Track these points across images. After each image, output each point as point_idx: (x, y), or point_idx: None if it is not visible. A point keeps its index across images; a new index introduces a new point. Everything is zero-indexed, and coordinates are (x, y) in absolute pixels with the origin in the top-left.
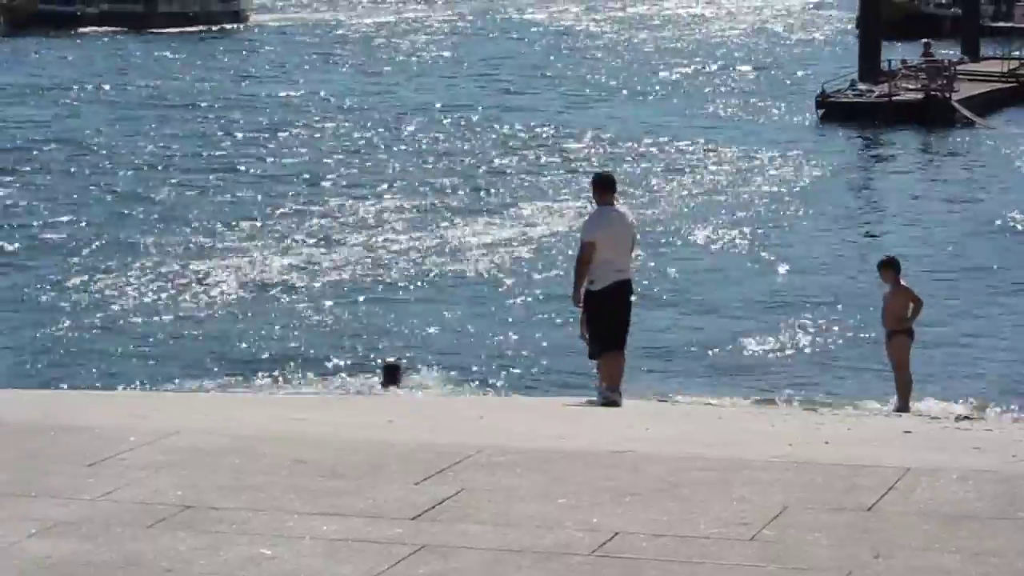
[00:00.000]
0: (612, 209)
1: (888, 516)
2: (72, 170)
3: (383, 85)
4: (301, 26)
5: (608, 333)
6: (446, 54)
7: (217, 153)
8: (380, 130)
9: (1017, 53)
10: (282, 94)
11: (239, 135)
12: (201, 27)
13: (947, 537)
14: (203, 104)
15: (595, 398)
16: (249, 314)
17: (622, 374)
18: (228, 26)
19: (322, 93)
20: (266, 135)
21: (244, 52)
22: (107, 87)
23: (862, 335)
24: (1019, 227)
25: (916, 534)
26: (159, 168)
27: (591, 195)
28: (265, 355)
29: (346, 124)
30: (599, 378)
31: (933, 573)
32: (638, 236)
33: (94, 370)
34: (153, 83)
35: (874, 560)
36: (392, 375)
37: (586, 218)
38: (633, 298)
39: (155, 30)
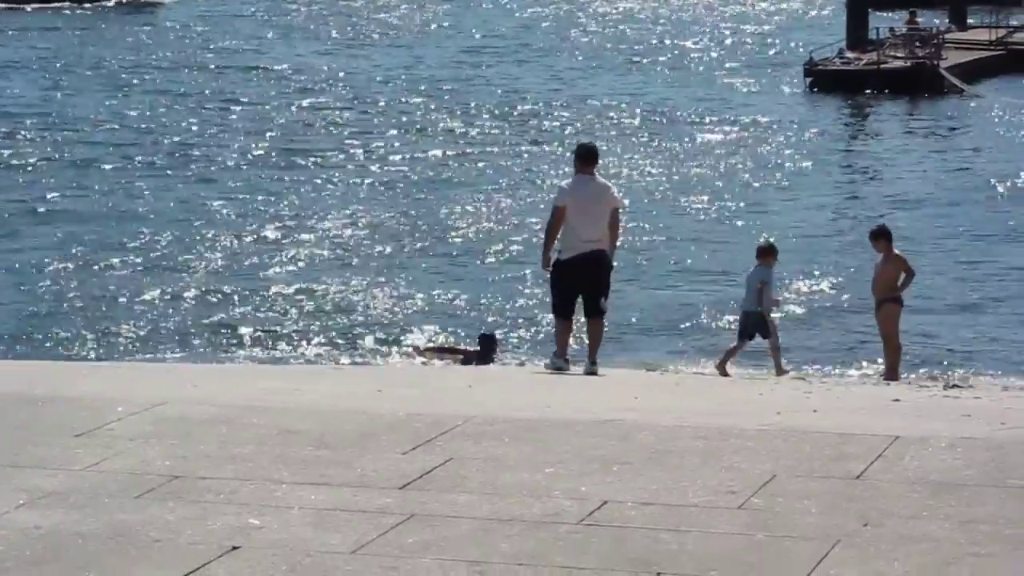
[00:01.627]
0: (589, 179)
1: (877, 484)
2: (44, 144)
3: (355, 57)
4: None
5: (561, 302)
6: (399, 28)
7: (170, 127)
8: (341, 103)
9: (1004, 21)
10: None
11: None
12: (115, 2)
13: (936, 505)
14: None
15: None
16: (227, 288)
17: (599, 343)
18: (145, 0)
19: (265, 65)
20: (222, 108)
21: (163, 26)
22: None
23: (852, 303)
24: (1008, 194)
25: (905, 502)
26: (137, 139)
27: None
28: (251, 327)
29: (303, 97)
30: (591, 349)
31: (922, 541)
32: (620, 211)
33: (82, 341)
34: (79, 58)
35: (863, 528)
36: (489, 346)
37: (561, 184)
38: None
39: (59, 5)
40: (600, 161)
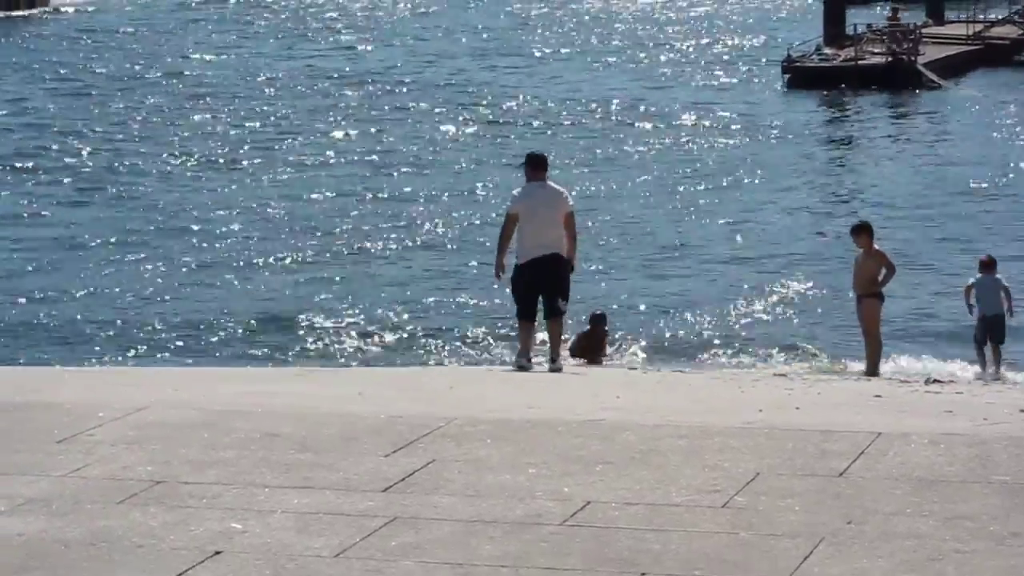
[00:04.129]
0: (539, 184)
1: (860, 481)
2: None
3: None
4: (111, 9)
5: (522, 303)
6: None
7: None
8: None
9: (981, 16)
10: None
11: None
12: None
13: (919, 501)
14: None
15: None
16: (202, 290)
17: (559, 341)
18: (21, 13)
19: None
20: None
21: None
22: None
23: (832, 299)
24: (985, 188)
25: (888, 499)
26: (98, 144)
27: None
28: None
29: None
30: (552, 347)
31: (906, 538)
32: (572, 211)
33: (61, 346)
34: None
35: (846, 525)
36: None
37: (513, 191)
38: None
39: None
40: (549, 170)
